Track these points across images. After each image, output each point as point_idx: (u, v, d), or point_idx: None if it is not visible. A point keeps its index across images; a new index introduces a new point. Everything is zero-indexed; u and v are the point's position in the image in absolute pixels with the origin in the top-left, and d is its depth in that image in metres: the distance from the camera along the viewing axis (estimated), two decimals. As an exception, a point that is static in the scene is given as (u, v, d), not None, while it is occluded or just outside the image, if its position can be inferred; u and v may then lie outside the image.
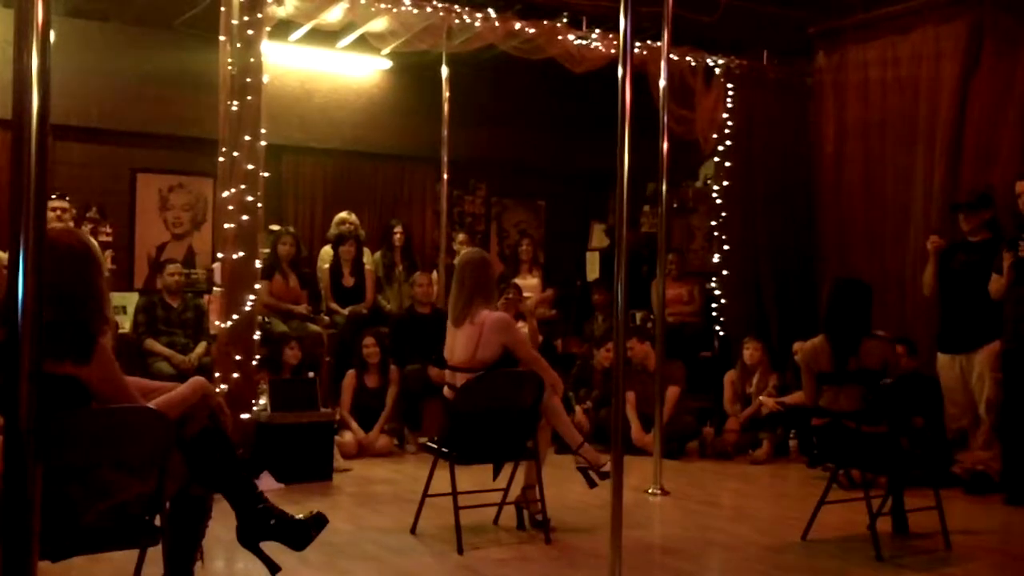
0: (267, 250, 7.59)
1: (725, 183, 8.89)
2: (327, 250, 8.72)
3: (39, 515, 2.22)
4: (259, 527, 3.44)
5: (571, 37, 8.01)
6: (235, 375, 6.10)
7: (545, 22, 7.92)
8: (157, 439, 3.15)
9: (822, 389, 5.18)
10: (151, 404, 3.24)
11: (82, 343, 3.07)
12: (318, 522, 3.52)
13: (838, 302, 5.31)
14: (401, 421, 7.71)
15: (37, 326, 2.19)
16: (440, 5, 7.60)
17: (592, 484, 5.15)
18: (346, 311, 8.34)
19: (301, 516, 3.50)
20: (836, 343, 5.18)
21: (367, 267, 8.65)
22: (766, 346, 7.96)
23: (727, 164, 8.87)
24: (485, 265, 5.21)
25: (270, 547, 3.52)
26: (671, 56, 6.73)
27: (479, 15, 7.72)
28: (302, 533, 3.48)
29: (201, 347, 7.55)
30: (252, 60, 6.26)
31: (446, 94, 8.58)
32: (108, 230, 8.74)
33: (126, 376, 3.27)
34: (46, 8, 2.22)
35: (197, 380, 3.54)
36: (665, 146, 6.51)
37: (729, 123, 8.83)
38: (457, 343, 5.08)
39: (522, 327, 7.76)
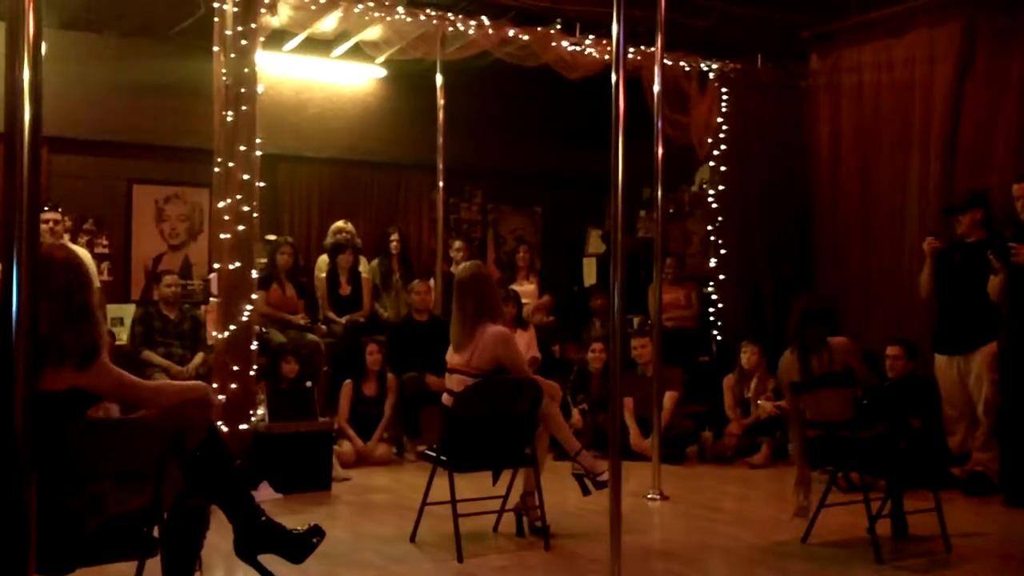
0: (264, 260, 7.59)
1: (721, 187, 8.90)
2: (323, 259, 8.70)
3: (35, 530, 2.21)
4: (257, 540, 3.44)
5: (565, 43, 8.03)
6: (233, 385, 6.08)
7: (539, 29, 7.94)
8: (153, 449, 3.15)
9: (799, 400, 5.18)
10: (150, 385, 3.44)
11: (85, 349, 3.09)
12: (315, 533, 3.52)
13: (801, 327, 5.36)
14: (400, 429, 7.69)
15: (31, 338, 2.18)
16: (434, 13, 7.62)
17: (586, 491, 5.14)
18: (343, 320, 8.33)
19: (299, 529, 3.50)
20: (800, 353, 5.25)
21: (363, 275, 8.63)
22: (763, 350, 7.94)
23: (722, 168, 8.87)
24: (483, 280, 5.08)
25: (267, 559, 3.52)
26: (665, 61, 6.71)
27: (473, 23, 7.74)
28: (300, 545, 3.48)
29: (199, 358, 7.54)
30: (246, 70, 6.26)
31: (441, 102, 8.58)
32: (104, 241, 8.75)
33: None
34: (37, 21, 2.22)
35: (200, 383, 3.64)
36: (660, 151, 6.50)
37: (724, 127, 8.84)
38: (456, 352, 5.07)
39: (522, 336, 7.76)
